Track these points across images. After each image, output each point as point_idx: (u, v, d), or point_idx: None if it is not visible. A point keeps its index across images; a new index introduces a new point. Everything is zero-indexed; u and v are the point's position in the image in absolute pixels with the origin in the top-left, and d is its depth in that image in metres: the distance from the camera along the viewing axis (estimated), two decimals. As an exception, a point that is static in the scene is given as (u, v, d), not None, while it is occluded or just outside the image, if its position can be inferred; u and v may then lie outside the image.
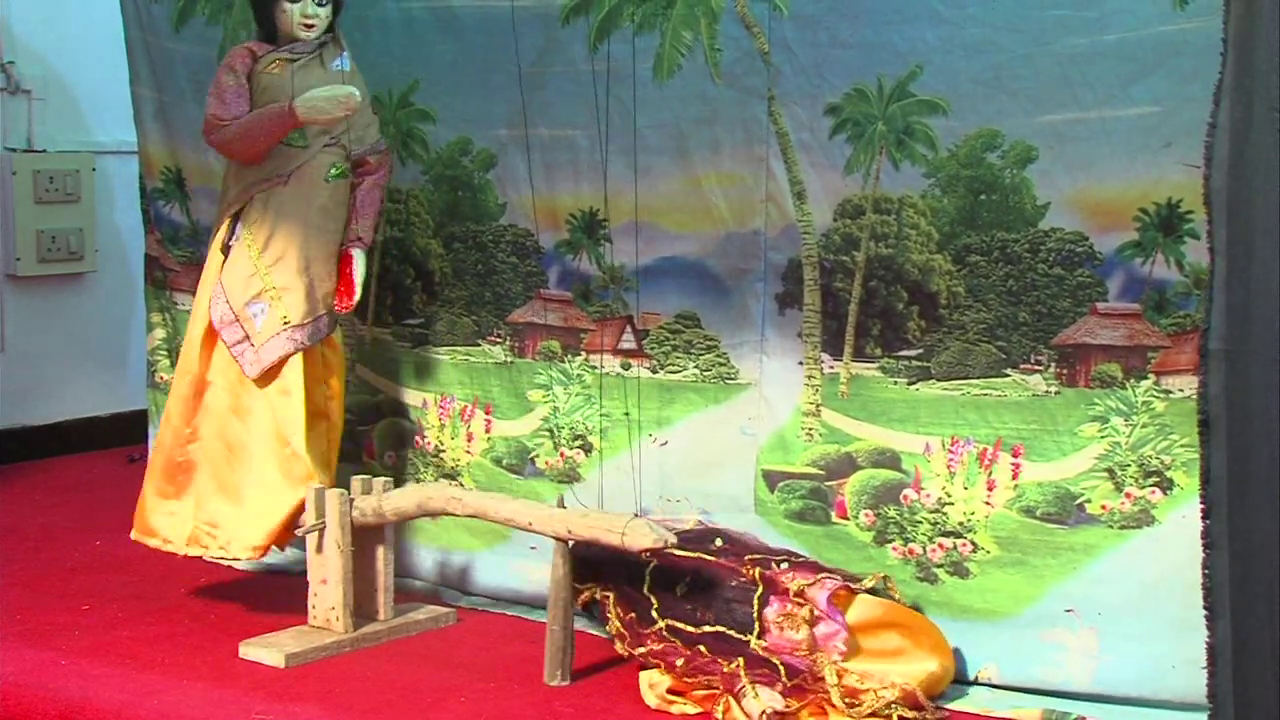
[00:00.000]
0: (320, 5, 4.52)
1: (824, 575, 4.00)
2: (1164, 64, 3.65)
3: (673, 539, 3.96)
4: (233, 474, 4.52)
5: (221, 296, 4.54)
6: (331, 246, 4.61)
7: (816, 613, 3.91)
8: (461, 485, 4.81)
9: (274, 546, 4.56)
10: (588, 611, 4.26)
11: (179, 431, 4.61)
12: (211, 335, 4.58)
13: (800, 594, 3.94)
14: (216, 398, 4.56)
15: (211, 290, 4.58)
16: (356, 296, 4.63)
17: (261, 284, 4.51)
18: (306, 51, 4.55)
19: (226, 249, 4.58)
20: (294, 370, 4.52)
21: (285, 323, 4.50)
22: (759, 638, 3.94)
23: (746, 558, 4.10)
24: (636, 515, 4.10)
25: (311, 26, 4.53)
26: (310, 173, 4.55)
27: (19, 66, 6.62)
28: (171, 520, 4.59)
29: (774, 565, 4.05)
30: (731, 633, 3.98)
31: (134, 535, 4.67)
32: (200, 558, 4.64)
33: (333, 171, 4.58)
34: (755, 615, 3.96)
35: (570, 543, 4.07)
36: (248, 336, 4.51)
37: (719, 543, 4.20)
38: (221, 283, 4.55)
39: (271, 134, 4.46)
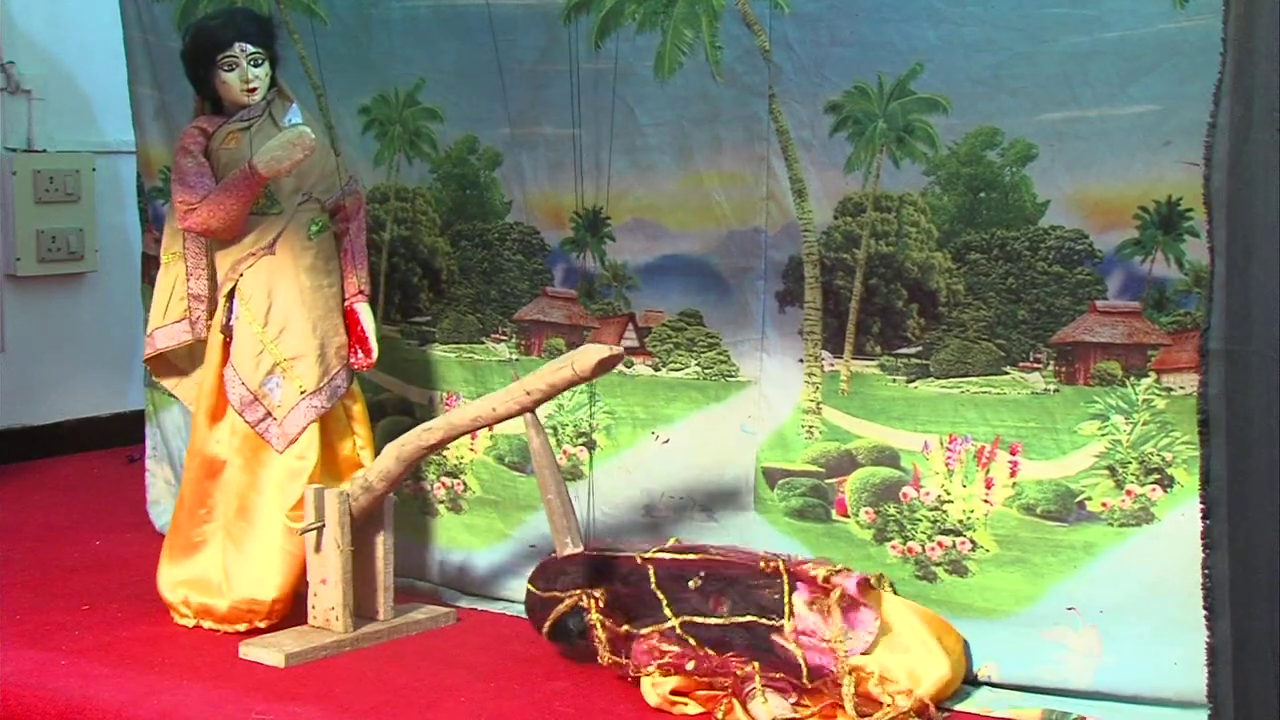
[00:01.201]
0: (256, 66, 4.49)
1: (842, 568, 3.99)
2: (1164, 63, 3.64)
3: (620, 351, 4.11)
4: (260, 548, 4.47)
5: (236, 379, 4.50)
6: (332, 300, 4.58)
7: (846, 598, 3.88)
8: (466, 481, 4.82)
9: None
10: (562, 624, 4.16)
11: (194, 513, 4.59)
12: (218, 415, 4.55)
13: (828, 580, 3.91)
14: (234, 476, 4.52)
15: (219, 373, 4.53)
16: (375, 353, 4.60)
17: (272, 359, 4.48)
18: (257, 114, 4.53)
19: (227, 330, 4.54)
20: (308, 435, 4.49)
21: (302, 393, 4.48)
22: (789, 619, 3.91)
23: (763, 552, 4.07)
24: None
25: (254, 90, 4.50)
26: (292, 236, 4.52)
27: (19, 66, 6.63)
28: (192, 590, 4.51)
29: (789, 559, 4.03)
30: (760, 620, 3.93)
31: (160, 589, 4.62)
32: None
33: (313, 228, 4.55)
34: (785, 599, 3.92)
35: (537, 410, 4.13)
36: (269, 413, 4.48)
37: (713, 551, 4.18)
38: (233, 365, 4.51)
39: (242, 199, 4.42)
